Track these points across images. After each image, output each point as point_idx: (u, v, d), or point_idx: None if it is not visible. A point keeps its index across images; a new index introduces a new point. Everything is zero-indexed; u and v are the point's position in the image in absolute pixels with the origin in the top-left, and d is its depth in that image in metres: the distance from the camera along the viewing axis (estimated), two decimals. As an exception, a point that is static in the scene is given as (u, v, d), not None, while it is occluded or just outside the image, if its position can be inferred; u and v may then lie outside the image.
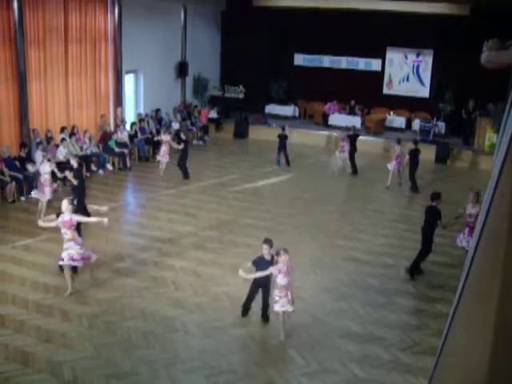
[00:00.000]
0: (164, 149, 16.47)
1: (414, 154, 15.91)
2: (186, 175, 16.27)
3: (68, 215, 9.01)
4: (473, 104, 20.19)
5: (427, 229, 10.42)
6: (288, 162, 18.15)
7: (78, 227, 9.80)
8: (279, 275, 7.96)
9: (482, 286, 3.12)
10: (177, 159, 16.30)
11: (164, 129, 17.53)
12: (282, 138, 17.93)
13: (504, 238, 2.75)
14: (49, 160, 12.82)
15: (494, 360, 2.66)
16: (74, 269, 9.54)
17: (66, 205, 9.02)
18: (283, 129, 18.12)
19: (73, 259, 9.08)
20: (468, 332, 3.33)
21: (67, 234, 9.05)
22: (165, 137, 16.50)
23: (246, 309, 8.78)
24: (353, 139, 17.52)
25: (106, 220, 9.33)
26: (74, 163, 11.80)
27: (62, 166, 13.77)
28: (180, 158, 16.18)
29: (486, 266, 3.10)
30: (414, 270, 10.56)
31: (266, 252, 8.27)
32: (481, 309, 3.08)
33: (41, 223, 9.61)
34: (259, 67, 23.63)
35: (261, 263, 8.25)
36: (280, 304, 8.05)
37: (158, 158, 16.80)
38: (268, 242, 8.32)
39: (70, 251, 9.05)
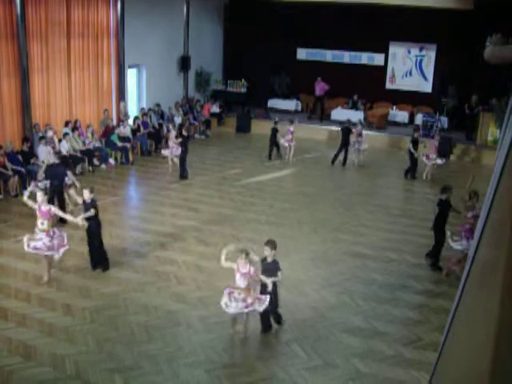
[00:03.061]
0: (171, 144, 16.06)
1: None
2: (182, 175, 15.72)
3: (46, 206, 9.16)
4: (476, 99, 20.12)
5: (439, 222, 10.56)
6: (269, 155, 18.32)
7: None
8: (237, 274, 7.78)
9: (485, 280, 3.12)
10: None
11: (171, 125, 17.42)
12: (273, 131, 18.00)
13: (507, 232, 2.74)
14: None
15: (497, 354, 2.65)
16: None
17: (41, 197, 9.17)
18: (275, 122, 18.17)
19: (36, 248, 9.20)
20: (470, 326, 3.33)
21: (44, 224, 9.15)
22: (171, 134, 16.15)
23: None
24: (345, 132, 17.69)
25: (79, 221, 9.50)
26: (54, 159, 12.29)
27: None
28: (180, 156, 15.75)
29: (488, 260, 3.10)
30: (436, 264, 10.69)
31: (267, 254, 8.03)
32: (483, 303, 3.08)
33: (25, 198, 9.42)
34: (262, 61, 23.56)
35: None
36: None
37: (167, 153, 16.11)
38: (269, 243, 8.04)
39: (38, 243, 9.16)
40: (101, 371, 7.20)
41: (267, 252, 8.01)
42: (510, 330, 2.68)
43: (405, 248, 11.66)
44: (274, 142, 18.14)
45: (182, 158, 15.69)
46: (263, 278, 7.89)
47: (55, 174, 12.17)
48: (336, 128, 20.44)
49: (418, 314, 9.12)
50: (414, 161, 16.61)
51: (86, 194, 9.62)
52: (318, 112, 23.13)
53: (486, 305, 3.01)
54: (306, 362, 7.62)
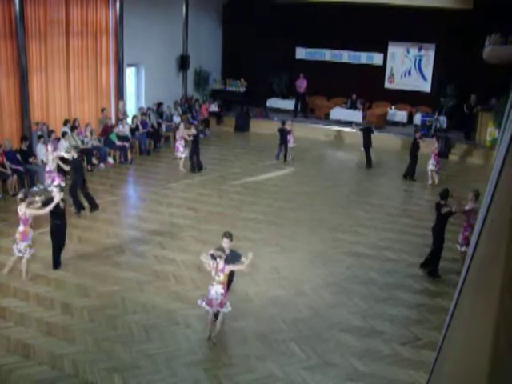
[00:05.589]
0: (181, 144, 16.29)
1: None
2: (194, 167, 16.30)
3: (21, 211, 9.39)
4: (475, 99, 20.12)
5: (437, 226, 10.34)
6: (285, 158, 18.00)
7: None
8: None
9: (484, 280, 3.12)
10: (189, 152, 16.34)
11: (177, 124, 17.52)
12: (283, 133, 17.80)
13: (506, 231, 2.75)
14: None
15: (495, 354, 2.66)
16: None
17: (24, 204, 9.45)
18: (283, 123, 18.00)
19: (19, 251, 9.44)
20: (469, 326, 3.33)
21: (20, 227, 9.45)
22: (181, 133, 16.28)
23: None
24: (366, 133, 17.65)
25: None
26: (74, 154, 12.47)
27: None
28: (193, 151, 16.21)
29: (487, 259, 3.09)
30: (436, 272, 10.40)
31: (226, 246, 8.04)
32: (482, 302, 3.08)
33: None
34: (261, 61, 23.56)
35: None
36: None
37: (179, 154, 16.36)
38: (229, 235, 8.11)
39: (18, 245, 9.43)
40: (99, 370, 7.20)
41: (226, 244, 8.01)
42: (508, 330, 2.68)
43: (403, 247, 11.66)
44: (285, 144, 17.83)
45: (197, 154, 16.22)
46: (231, 266, 7.84)
47: (75, 167, 12.47)
48: (339, 128, 20.54)
49: (416, 313, 9.12)
50: (414, 161, 16.45)
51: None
52: (300, 108, 23.29)
53: (484, 304, 3.01)
54: (304, 361, 7.62)
